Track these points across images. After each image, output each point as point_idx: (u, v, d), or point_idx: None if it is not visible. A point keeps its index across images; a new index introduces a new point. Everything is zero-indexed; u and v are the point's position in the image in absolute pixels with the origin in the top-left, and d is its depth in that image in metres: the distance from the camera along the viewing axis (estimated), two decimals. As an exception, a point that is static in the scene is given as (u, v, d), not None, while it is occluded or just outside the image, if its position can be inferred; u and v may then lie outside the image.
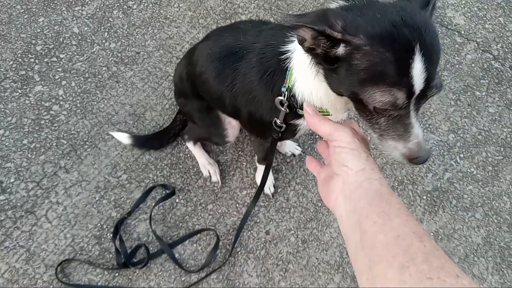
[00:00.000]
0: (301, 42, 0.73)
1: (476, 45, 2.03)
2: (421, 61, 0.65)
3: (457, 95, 1.92)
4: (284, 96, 0.96)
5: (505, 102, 1.93)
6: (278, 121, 1.03)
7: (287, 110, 0.99)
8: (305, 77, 0.90)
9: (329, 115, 0.94)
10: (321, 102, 0.91)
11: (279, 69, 0.97)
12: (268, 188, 1.62)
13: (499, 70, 1.99)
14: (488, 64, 2.00)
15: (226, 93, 1.15)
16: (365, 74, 0.68)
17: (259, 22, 1.25)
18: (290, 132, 1.09)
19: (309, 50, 0.74)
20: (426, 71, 0.66)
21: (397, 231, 0.53)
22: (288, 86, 0.96)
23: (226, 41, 1.15)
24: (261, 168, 1.57)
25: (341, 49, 0.70)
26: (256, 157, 1.54)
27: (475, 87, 1.94)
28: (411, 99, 0.69)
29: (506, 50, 2.04)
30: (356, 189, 0.60)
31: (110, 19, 1.86)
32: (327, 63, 0.74)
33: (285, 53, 0.96)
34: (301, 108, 0.95)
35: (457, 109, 1.89)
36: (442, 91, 1.80)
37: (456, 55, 2.00)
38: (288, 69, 0.94)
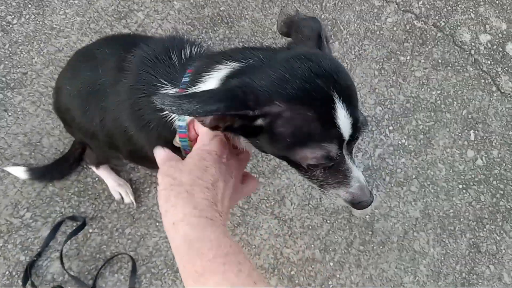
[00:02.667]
0: (205, 125, 0.62)
1: (396, 6, 1.91)
2: (343, 108, 0.63)
3: (380, 63, 1.81)
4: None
5: (431, 63, 1.84)
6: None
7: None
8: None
9: None
10: None
11: (161, 123, 0.80)
12: None
13: (423, 29, 1.89)
14: (410, 25, 1.89)
15: (98, 132, 1.01)
16: (292, 138, 0.63)
17: (118, 44, 1.05)
18: None
19: (218, 129, 0.64)
20: (350, 116, 0.64)
21: None
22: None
23: (85, 75, 0.99)
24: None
25: (259, 120, 0.62)
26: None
27: (399, 52, 1.84)
28: (343, 146, 0.66)
29: (428, 6, 1.93)
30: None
31: (-11, 39, 1.65)
32: (247, 135, 0.66)
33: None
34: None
35: (381, 79, 1.79)
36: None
37: (375, 21, 1.88)
38: (176, 126, 0.77)
